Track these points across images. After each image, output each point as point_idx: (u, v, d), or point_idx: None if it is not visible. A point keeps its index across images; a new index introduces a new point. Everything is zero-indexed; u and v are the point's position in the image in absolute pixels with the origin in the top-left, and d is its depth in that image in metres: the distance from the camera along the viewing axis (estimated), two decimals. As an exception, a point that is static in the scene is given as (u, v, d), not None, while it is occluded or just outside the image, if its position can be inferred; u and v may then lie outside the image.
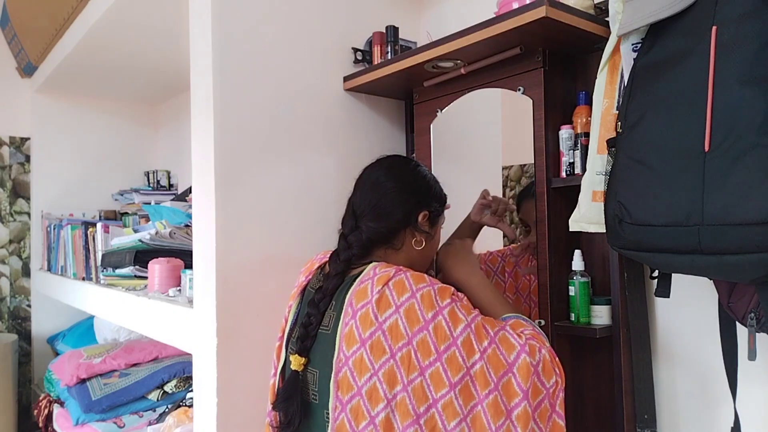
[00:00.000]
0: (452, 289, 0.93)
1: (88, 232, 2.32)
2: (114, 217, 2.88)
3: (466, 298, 0.96)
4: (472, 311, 0.91)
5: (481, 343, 0.88)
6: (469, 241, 1.17)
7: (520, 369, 0.87)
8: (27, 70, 2.90)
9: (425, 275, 0.93)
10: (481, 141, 1.55)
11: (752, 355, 0.95)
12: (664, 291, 1.04)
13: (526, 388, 0.87)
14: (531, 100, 1.24)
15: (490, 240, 1.17)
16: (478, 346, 0.87)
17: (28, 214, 2.98)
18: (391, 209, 1.03)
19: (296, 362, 0.97)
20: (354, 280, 0.95)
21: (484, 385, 0.86)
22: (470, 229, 1.32)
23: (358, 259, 1.00)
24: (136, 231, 2.12)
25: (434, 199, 1.10)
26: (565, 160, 1.22)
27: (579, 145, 1.19)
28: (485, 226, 1.33)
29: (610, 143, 1.01)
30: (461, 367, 0.86)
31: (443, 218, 1.13)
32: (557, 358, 0.93)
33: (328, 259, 1.06)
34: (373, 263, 0.97)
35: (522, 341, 0.90)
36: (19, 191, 2.97)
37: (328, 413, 0.91)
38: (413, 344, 0.86)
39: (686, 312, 1.19)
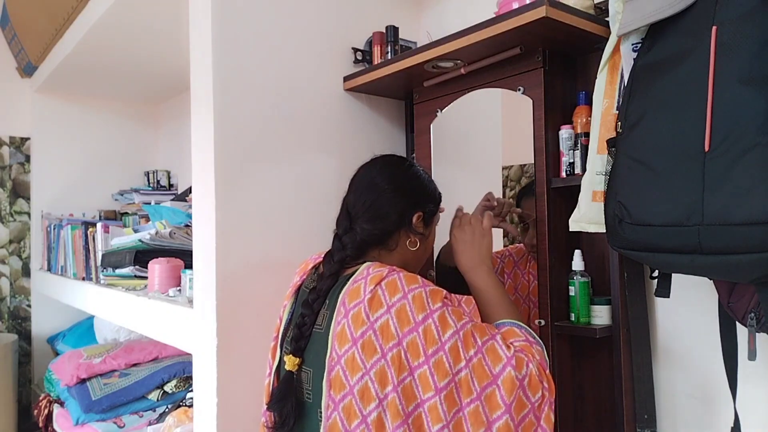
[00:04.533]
0: (444, 292, 0.92)
1: (88, 232, 2.32)
2: (114, 217, 2.88)
3: (463, 299, 0.95)
4: (463, 317, 0.90)
5: (468, 351, 0.87)
6: (489, 220, 1.12)
7: (504, 382, 0.86)
8: (27, 70, 2.89)
9: (418, 276, 0.93)
10: (481, 141, 1.55)
11: (752, 356, 0.94)
12: (664, 291, 1.04)
13: (509, 402, 0.85)
14: (531, 100, 1.24)
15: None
16: (464, 354, 0.87)
17: (28, 214, 2.97)
18: (385, 211, 1.03)
19: (290, 363, 0.97)
20: (347, 280, 0.95)
21: (468, 393, 0.86)
22: None
23: (352, 260, 1.00)
24: (136, 231, 2.12)
25: (428, 200, 1.09)
26: (565, 160, 1.22)
27: (579, 145, 1.19)
28: None
29: (610, 143, 1.01)
30: (447, 373, 0.85)
31: (438, 218, 1.13)
32: (547, 371, 0.92)
33: (322, 259, 1.06)
34: (367, 263, 0.96)
35: (510, 353, 0.88)
36: (19, 191, 2.96)
37: (321, 412, 0.91)
38: (403, 345, 0.86)
39: (686, 312, 1.19)
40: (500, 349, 0.89)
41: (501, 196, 1.38)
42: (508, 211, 1.32)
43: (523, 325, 0.98)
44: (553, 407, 0.90)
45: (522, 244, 1.38)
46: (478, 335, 0.89)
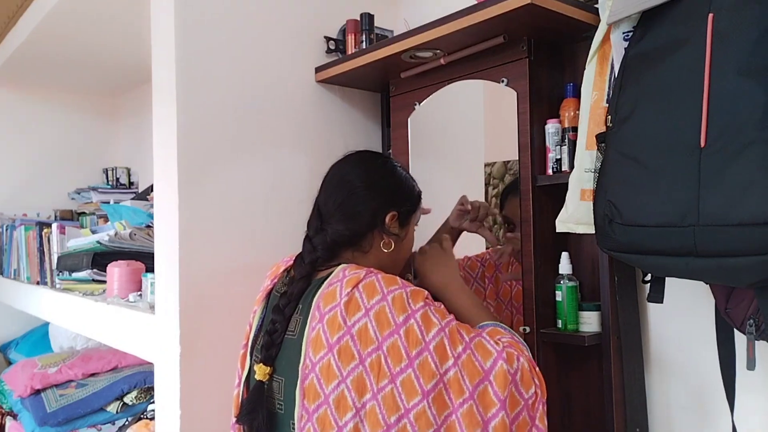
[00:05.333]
0: (426, 292, 0.91)
1: (43, 233, 2.29)
2: (70, 217, 2.85)
3: (441, 304, 0.94)
4: (446, 315, 0.90)
5: (455, 348, 0.86)
6: (447, 243, 1.14)
7: (496, 377, 0.85)
8: (-24, 60, 2.86)
9: (397, 278, 0.91)
10: (462, 136, 1.54)
11: (751, 365, 0.94)
12: (657, 296, 1.02)
13: (504, 398, 0.84)
14: (515, 93, 1.22)
15: (471, 244, 1.16)
16: (452, 351, 0.85)
17: (-22, 213, 2.95)
18: (356, 210, 1.01)
19: (261, 372, 0.95)
20: (322, 283, 0.93)
21: (459, 393, 0.84)
22: (449, 234, 1.31)
23: (325, 262, 0.99)
24: (94, 232, 2.09)
25: (404, 199, 1.07)
26: (551, 156, 1.20)
27: (566, 140, 1.18)
28: (465, 231, 1.32)
29: (600, 138, 0.99)
30: (434, 374, 0.83)
31: (417, 218, 1.10)
32: (537, 368, 0.91)
33: (293, 262, 1.05)
34: (342, 265, 0.95)
35: (499, 348, 0.88)
36: (-31, 190, 2.93)
37: (294, 423, 0.89)
38: (383, 349, 0.84)
39: (680, 318, 1.18)
40: (488, 344, 0.88)
41: (483, 195, 1.36)
42: (486, 215, 1.31)
43: (505, 326, 0.98)
44: (546, 407, 0.89)
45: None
46: (464, 331, 0.89)
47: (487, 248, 1.38)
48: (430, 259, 1.09)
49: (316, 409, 0.86)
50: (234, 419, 1.01)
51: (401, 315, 0.85)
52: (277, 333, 0.95)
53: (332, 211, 1.01)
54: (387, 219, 1.02)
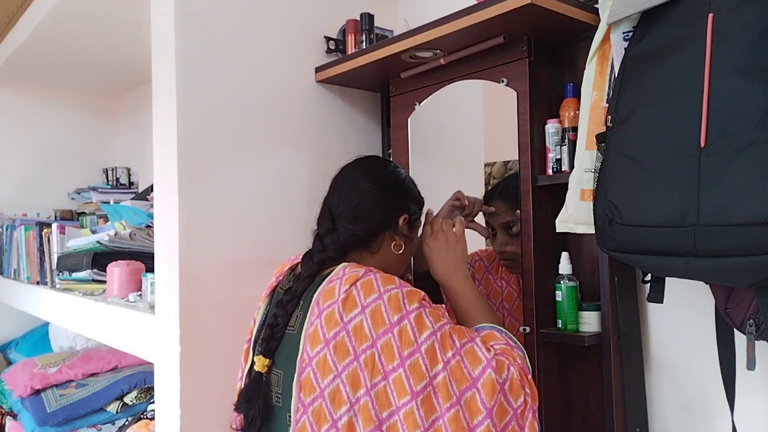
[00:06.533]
0: (422, 293, 0.92)
1: (43, 233, 2.29)
2: (70, 217, 2.84)
3: (440, 307, 0.95)
4: (441, 319, 0.90)
5: (446, 353, 0.87)
6: (461, 226, 1.14)
7: (484, 385, 0.85)
8: (-24, 61, 2.84)
9: (395, 277, 0.93)
10: (462, 136, 1.53)
11: (751, 365, 0.92)
12: (657, 296, 1.01)
13: (490, 406, 0.85)
14: (515, 93, 1.21)
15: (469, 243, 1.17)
16: (442, 355, 0.86)
17: (-22, 213, 2.92)
18: (370, 212, 1.04)
19: (260, 364, 0.97)
20: (323, 280, 0.95)
21: (446, 398, 0.85)
22: None
23: (333, 262, 1.00)
24: (94, 232, 2.09)
25: (413, 202, 1.11)
26: (551, 156, 1.19)
27: (566, 140, 1.17)
28: None
29: (600, 138, 0.99)
30: (424, 376, 0.85)
31: (420, 222, 1.14)
32: (529, 376, 0.91)
33: (300, 260, 1.05)
34: (344, 264, 0.97)
35: (489, 356, 0.88)
36: (-32, 190, 2.90)
37: (290, 416, 0.91)
38: (377, 347, 0.86)
39: (680, 318, 1.17)
40: (480, 351, 0.88)
41: (483, 195, 1.35)
42: (479, 211, 1.31)
43: (503, 329, 0.99)
44: (536, 415, 0.89)
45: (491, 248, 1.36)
46: (457, 337, 0.89)
47: (487, 245, 1.37)
48: (437, 249, 1.10)
49: (311, 402, 0.88)
50: (233, 407, 1.03)
51: (396, 314, 0.87)
52: (278, 327, 0.97)
53: (345, 212, 1.04)
54: (400, 221, 1.06)
